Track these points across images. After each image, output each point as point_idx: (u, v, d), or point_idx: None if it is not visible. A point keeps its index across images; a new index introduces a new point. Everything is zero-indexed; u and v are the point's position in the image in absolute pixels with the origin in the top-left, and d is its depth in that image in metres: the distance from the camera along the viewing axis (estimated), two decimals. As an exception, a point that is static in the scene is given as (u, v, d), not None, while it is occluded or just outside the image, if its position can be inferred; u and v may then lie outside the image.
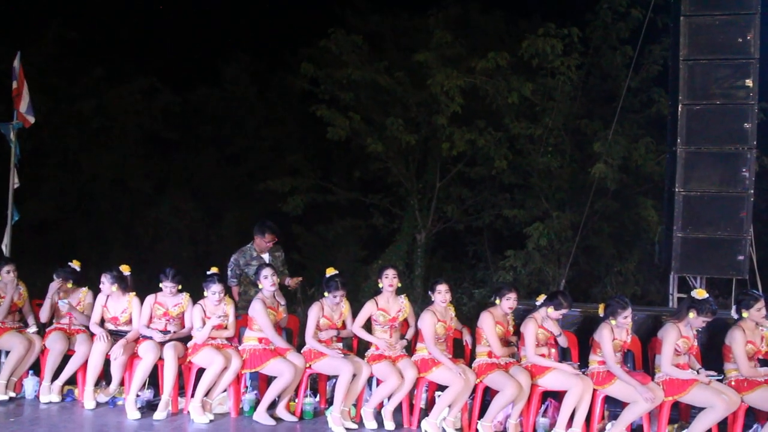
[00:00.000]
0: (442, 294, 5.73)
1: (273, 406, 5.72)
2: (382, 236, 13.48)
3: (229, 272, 6.61)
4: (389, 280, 5.86)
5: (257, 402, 5.80)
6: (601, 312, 5.46)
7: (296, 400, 5.82)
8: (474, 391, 5.55)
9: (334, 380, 5.83)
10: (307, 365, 5.73)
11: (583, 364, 5.54)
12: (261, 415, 5.62)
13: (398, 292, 5.94)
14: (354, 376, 5.57)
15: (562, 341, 5.67)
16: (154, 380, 6.00)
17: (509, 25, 12.71)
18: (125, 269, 6.14)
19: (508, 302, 5.65)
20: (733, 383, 5.23)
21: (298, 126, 14.78)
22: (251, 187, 14.18)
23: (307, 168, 13.71)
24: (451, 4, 12.27)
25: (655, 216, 10.51)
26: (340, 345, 6.00)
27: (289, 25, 14.88)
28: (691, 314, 5.22)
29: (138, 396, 5.78)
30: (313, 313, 5.80)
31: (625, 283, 10.99)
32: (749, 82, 6.72)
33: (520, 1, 13.25)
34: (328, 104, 12.03)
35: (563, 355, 5.87)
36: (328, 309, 5.86)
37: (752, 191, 6.69)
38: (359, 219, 13.91)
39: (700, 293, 5.34)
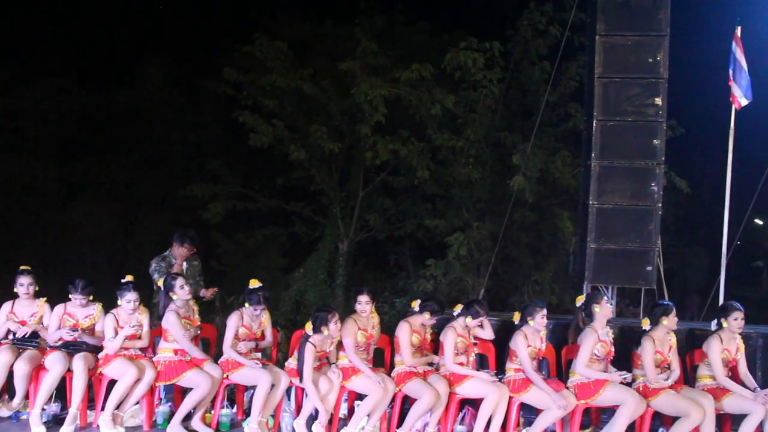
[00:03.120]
0: (362, 304, 5.72)
1: (188, 418, 5.56)
2: (304, 245, 13.39)
3: (156, 275, 6.37)
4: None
5: (171, 414, 5.63)
6: (516, 319, 5.59)
7: (212, 412, 5.68)
8: (393, 399, 5.56)
9: (251, 391, 5.72)
10: (225, 376, 5.60)
11: (500, 371, 5.64)
12: (175, 428, 5.45)
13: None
14: (272, 386, 5.48)
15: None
16: (61, 393, 5.72)
17: (433, 37, 12.88)
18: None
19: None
20: (640, 388, 5.43)
21: (220, 132, 14.53)
22: (170, 193, 13.83)
23: (228, 174, 13.47)
24: (376, 14, 12.35)
25: (570, 227, 10.85)
26: (259, 355, 5.90)
27: (212, 29, 14.63)
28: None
29: (44, 410, 5.51)
30: (232, 322, 5.67)
31: (541, 292, 11.29)
32: (659, 101, 7.02)
33: (444, 14, 13.48)
34: (251, 110, 11.86)
35: (481, 363, 5.96)
36: (247, 319, 5.74)
37: (660, 205, 6.99)
38: (280, 227, 13.76)
39: (579, 299, 5.71)
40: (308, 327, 5.44)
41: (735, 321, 5.54)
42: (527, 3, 11.31)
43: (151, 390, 5.61)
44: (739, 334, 5.64)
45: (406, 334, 5.63)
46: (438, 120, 11.19)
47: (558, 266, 11.51)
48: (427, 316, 5.65)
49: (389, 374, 5.69)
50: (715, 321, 5.71)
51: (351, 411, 5.80)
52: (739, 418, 5.40)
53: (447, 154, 11.45)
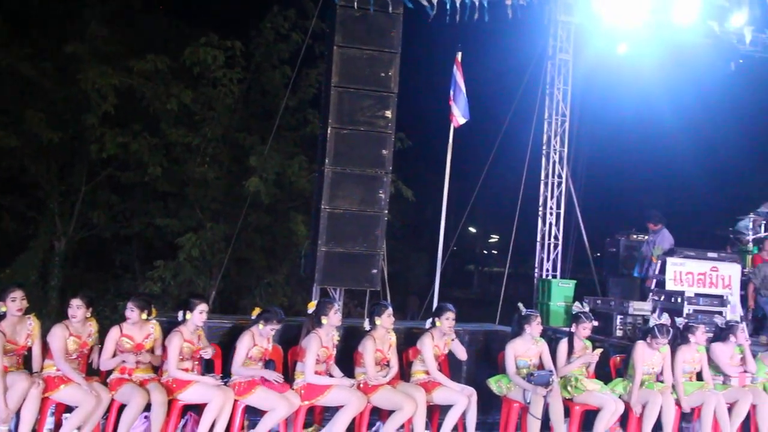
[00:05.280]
0: (73, 309, 5.24)
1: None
2: (13, 243, 12.00)
3: None
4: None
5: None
6: (254, 315, 5.60)
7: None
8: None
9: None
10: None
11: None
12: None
13: (27, 311, 5.23)
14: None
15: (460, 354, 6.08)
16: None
17: (173, 29, 12.38)
18: None
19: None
20: (360, 385, 5.67)
21: None
22: None
23: None
24: (111, -4, 11.56)
25: (304, 230, 11.07)
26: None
27: None
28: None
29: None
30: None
31: (274, 294, 11.37)
32: (389, 113, 7.43)
33: (186, 6, 13.01)
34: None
35: (207, 368, 5.80)
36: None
37: (386, 211, 7.40)
38: (-14, 222, 12.22)
39: (311, 305, 5.82)
40: None
41: (447, 320, 6.04)
42: (271, 6, 11.35)
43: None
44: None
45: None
46: (174, 115, 10.77)
47: (291, 269, 11.68)
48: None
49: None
50: (430, 320, 6.18)
51: (58, 424, 5.27)
52: (446, 409, 5.88)
53: (182, 152, 11.05)
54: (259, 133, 11.27)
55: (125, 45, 11.05)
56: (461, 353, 6.20)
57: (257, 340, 5.54)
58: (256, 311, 5.71)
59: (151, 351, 5.48)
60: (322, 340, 5.61)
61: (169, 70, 10.47)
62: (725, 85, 13.40)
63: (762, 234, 9.67)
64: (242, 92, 11.46)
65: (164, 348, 5.42)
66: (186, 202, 11.37)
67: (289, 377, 5.73)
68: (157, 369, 5.50)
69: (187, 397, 5.26)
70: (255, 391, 5.36)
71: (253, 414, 5.61)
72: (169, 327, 5.60)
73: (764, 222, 9.97)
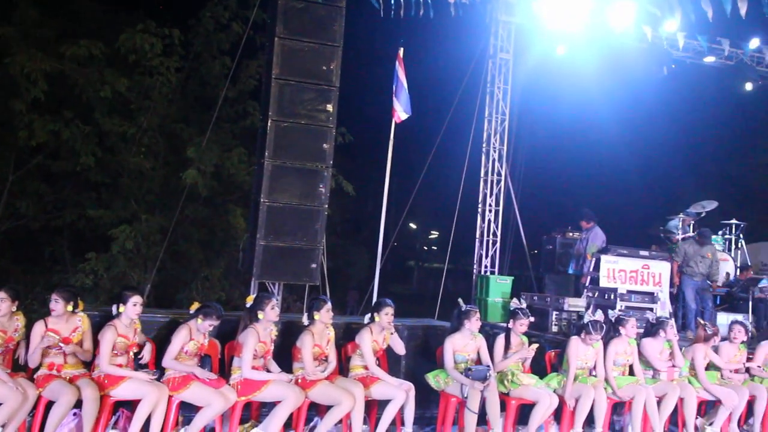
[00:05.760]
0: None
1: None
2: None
3: None
4: None
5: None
6: (192, 309, 5.51)
7: None
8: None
9: None
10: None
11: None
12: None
13: None
14: None
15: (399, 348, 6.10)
16: None
17: (108, 14, 11.99)
18: None
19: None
20: (299, 381, 5.62)
21: None
22: None
23: None
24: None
25: (243, 224, 10.92)
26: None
27: None
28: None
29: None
30: None
31: (211, 288, 11.17)
32: (330, 107, 7.37)
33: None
34: None
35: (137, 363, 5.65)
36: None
37: (326, 206, 7.35)
38: None
39: (248, 299, 5.73)
40: None
41: (386, 315, 6.04)
42: (211, -6, 11.13)
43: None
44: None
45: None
46: (108, 104, 10.43)
47: (229, 262, 11.51)
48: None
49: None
50: (369, 315, 6.17)
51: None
52: (384, 403, 5.88)
53: (116, 141, 10.74)
54: (198, 124, 11.06)
55: (57, 29, 10.64)
56: (400, 348, 6.22)
57: (194, 334, 5.44)
58: (195, 306, 5.60)
59: (80, 345, 5.30)
60: (259, 335, 5.54)
61: (104, 57, 10.15)
62: (659, 88, 13.87)
63: (690, 234, 10.03)
64: (180, 82, 11.21)
65: (97, 342, 5.25)
66: (120, 193, 11.04)
67: (225, 372, 5.63)
68: (88, 365, 5.32)
69: (119, 393, 5.11)
70: (190, 386, 5.25)
71: (188, 410, 5.49)
72: (101, 321, 5.43)
73: (693, 222, 10.34)
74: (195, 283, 11.21)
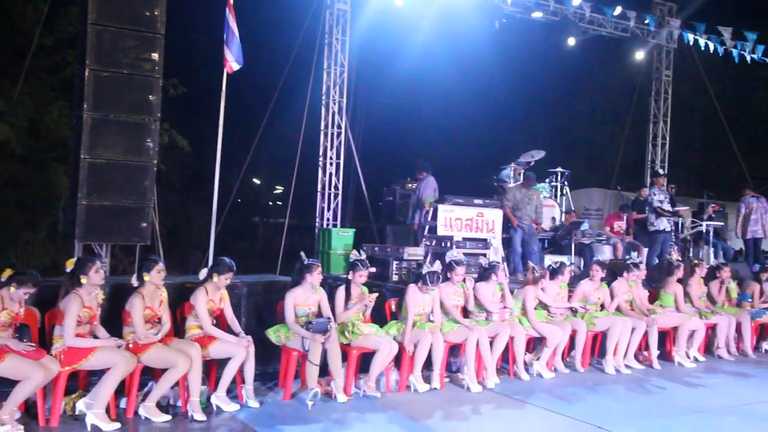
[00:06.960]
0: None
1: None
2: None
3: None
4: None
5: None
6: (3, 277, 5.04)
7: None
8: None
9: None
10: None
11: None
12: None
13: None
14: None
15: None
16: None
17: None
18: None
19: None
20: (131, 346, 5.34)
21: None
22: None
23: None
24: None
25: (68, 183, 10.13)
26: None
27: None
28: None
29: None
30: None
31: (33, 253, 10.35)
32: (155, 56, 6.90)
33: None
34: None
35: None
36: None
37: (155, 161, 6.94)
38: None
39: (69, 263, 5.32)
40: None
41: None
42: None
43: None
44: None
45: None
46: None
47: (53, 225, 10.70)
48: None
49: None
50: (204, 271, 5.95)
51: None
52: (224, 362, 5.73)
53: None
54: (10, 75, 10.03)
55: None
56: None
57: (7, 303, 4.98)
58: (7, 273, 5.11)
59: None
60: (83, 300, 5.17)
61: None
62: (491, 42, 14.35)
63: (521, 182, 10.55)
64: (-13, 27, 10.11)
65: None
66: None
67: (46, 342, 5.22)
68: None
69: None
70: (5, 359, 4.81)
71: (6, 385, 5.05)
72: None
73: (523, 170, 10.89)
74: (14, 249, 10.32)
